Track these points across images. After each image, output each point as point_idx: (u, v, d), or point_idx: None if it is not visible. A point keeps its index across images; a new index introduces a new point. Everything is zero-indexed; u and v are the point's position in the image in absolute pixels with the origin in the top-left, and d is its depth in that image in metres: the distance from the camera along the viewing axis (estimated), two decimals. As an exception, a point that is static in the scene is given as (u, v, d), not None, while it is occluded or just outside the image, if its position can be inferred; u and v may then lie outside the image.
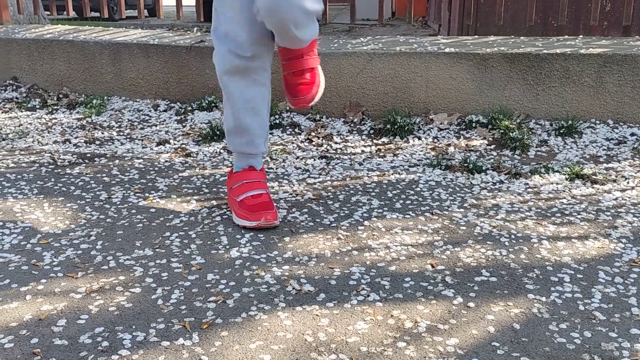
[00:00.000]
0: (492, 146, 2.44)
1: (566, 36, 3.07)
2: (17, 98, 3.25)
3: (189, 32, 3.60)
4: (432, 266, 1.49)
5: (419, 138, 2.54)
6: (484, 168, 2.16)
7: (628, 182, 2.04)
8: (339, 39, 3.14)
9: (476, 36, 3.21)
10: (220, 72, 1.74)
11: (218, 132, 2.56)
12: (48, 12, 4.72)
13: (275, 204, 1.87)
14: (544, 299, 1.34)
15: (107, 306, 1.32)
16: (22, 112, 3.06)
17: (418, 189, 2.01)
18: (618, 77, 2.56)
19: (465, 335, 1.21)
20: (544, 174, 2.11)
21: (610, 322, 1.26)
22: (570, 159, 2.28)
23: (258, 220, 1.68)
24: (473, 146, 2.44)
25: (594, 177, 2.07)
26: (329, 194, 1.97)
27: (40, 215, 1.81)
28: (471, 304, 1.32)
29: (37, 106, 3.14)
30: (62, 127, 2.78)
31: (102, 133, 2.69)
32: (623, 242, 1.62)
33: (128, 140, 2.60)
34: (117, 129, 2.75)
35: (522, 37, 3.04)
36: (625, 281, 1.42)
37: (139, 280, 1.44)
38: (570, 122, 2.52)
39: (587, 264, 1.50)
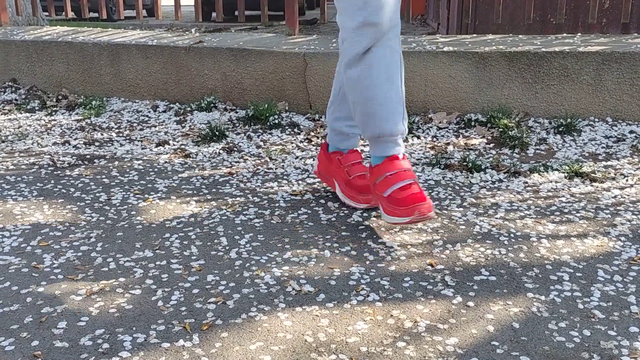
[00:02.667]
0: (491, 145, 2.44)
1: (565, 34, 3.07)
2: (16, 100, 3.25)
3: (187, 32, 3.60)
4: (432, 266, 1.49)
5: (418, 137, 2.55)
6: (483, 167, 2.16)
7: (627, 180, 2.04)
8: (338, 39, 3.13)
9: (475, 35, 3.22)
10: (357, 53, 1.60)
11: (217, 133, 2.57)
12: (46, 14, 4.72)
13: (277, 203, 1.87)
14: (543, 297, 1.34)
15: (107, 308, 1.33)
16: (21, 113, 3.06)
17: (417, 188, 2.01)
18: (617, 75, 2.56)
19: (465, 335, 1.21)
20: (543, 172, 2.12)
21: (610, 320, 1.26)
22: (570, 157, 2.29)
23: (411, 215, 1.55)
24: (472, 145, 2.44)
25: (593, 175, 2.07)
26: (329, 194, 1.98)
27: (40, 217, 1.81)
28: (471, 303, 1.32)
29: (37, 108, 3.14)
30: (61, 129, 2.79)
31: (102, 134, 2.70)
32: (622, 240, 1.62)
33: (127, 141, 2.60)
34: (117, 130, 2.75)
35: (520, 36, 3.04)
36: (625, 279, 1.42)
37: (139, 281, 1.44)
38: (569, 120, 2.53)
39: (586, 263, 1.50)
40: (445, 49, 2.72)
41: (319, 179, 2.09)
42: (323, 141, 2.51)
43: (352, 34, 1.60)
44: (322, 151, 1.93)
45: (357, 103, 1.66)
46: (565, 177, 2.08)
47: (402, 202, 1.56)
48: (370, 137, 1.67)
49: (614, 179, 2.06)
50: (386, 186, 1.61)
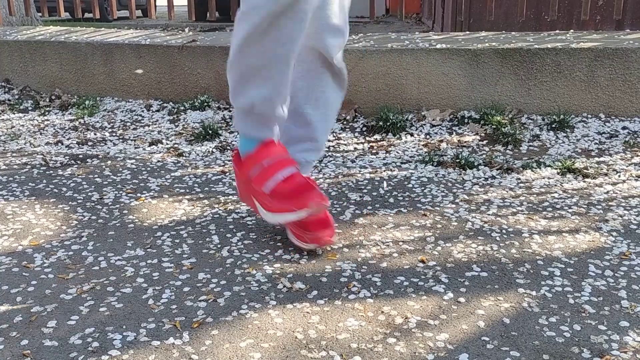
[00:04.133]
0: (485, 142, 2.44)
1: (557, 31, 3.08)
2: (9, 100, 3.24)
3: (181, 32, 3.60)
4: (423, 262, 1.49)
5: (411, 134, 2.55)
6: (476, 164, 2.16)
7: (619, 176, 2.04)
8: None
9: (468, 32, 3.21)
10: (255, 22, 1.30)
11: (210, 132, 2.56)
12: (40, 14, 4.71)
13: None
14: (534, 293, 1.34)
15: (97, 307, 1.32)
16: (14, 114, 3.05)
17: (410, 185, 2.01)
18: (609, 71, 2.56)
19: (456, 330, 1.21)
20: (535, 168, 2.12)
21: (600, 315, 1.26)
22: (562, 153, 2.29)
23: (305, 206, 1.32)
24: (465, 142, 2.45)
25: (585, 171, 2.07)
26: (321, 191, 1.97)
27: (32, 217, 1.81)
28: (462, 299, 1.32)
29: (30, 108, 3.13)
30: (54, 129, 2.78)
31: (95, 134, 2.69)
32: (614, 235, 1.62)
33: (120, 140, 2.59)
34: (110, 130, 2.75)
35: (513, 32, 3.04)
36: (616, 274, 1.42)
37: (130, 280, 1.44)
38: (562, 116, 2.53)
39: (577, 258, 1.50)
40: (438, 46, 2.72)
41: (312, 177, 2.08)
42: None
43: None
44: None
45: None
46: (558, 173, 2.08)
47: (290, 194, 1.32)
48: (243, 106, 1.37)
49: (606, 174, 2.06)
50: (265, 178, 1.35)
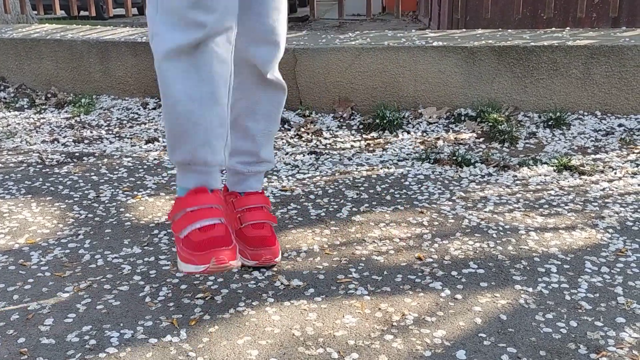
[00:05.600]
0: (481, 139, 2.44)
1: (554, 28, 3.08)
2: (4, 98, 3.23)
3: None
4: (420, 259, 1.50)
5: (408, 132, 2.55)
6: (472, 161, 2.16)
7: (615, 173, 2.05)
8: (327, 34, 3.13)
9: (464, 30, 3.22)
10: (165, 51, 1.22)
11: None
12: (35, 12, 4.70)
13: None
14: (530, 289, 1.35)
15: (94, 304, 1.32)
16: (10, 112, 3.04)
17: (407, 182, 2.02)
18: (605, 69, 2.57)
19: (453, 327, 1.22)
20: (532, 165, 2.12)
21: (596, 311, 1.26)
22: (559, 150, 2.29)
23: (206, 262, 1.21)
24: (462, 139, 2.45)
25: (581, 168, 2.08)
26: (318, 189, 1.97)
27: (28, 215, 1.80)
28: (458, 296, 1.33)
29: (25, 106, 3.13)
30: (50, 127, 2.77)
31: (91, 132, 2.68)
32: (610, 232, 1.62)
33: (117, 138, 2.59)
34: (106, 128, 2.74)
35: (509, 30, 3.05)
36: (612, 271, 1.42)
37: (127, 278, 1.44)
38: (558, 114, 2.53)
39: (574, 255, 1.50)
40: (435, 43, 2.72)
41: (309, 175, 2.08)
42: (313, 137, 2.51)
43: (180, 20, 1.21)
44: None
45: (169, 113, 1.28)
46: (555, 171, 2.08)
47: (198, 246, 1.23)
48: (179, 161, 1.30)
49: (602, 172, 2.07)
50: (184, 225, 1.26)
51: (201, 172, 1.29)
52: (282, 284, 1.39)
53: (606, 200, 1.83)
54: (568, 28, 3.07)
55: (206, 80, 1.23)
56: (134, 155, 2.36)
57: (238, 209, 1.45)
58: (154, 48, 1.25)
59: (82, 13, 5.39)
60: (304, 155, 2.31)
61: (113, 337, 1.20)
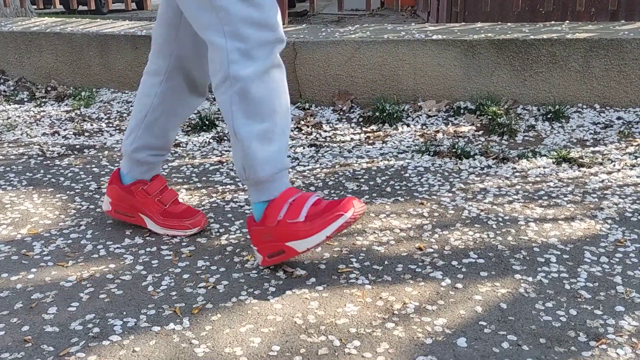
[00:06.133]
0: (480, 132, 2.45)
1: (553, 22, 3.09)
2: (4, 91, 3.23)
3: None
4: (421, 249, 1.51)
5: (408, 125, 2.56)
6: (472, 153, 2.17)
7: (614, 165, 2.06)
8: (327, 28, 3.14)
9: (464, 23, 3.22)
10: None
11: (207, 122, 2.56)
12: (34, 6, 4.69)
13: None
14: (530, 279, 1.36)
15: (97, 293, 1.33)
16: (10, 105, 3.04)
17: (407, 174, 2.03)
18: (604, 62, 2.58)
19: (453, 316, 1.23)
20: (531, 158, 2.13)
21: (596, 300, 1.27)
22: (558, 143, 2.30)
23: (345, 212, 1.32)
24: (461, 132, 2.46)
25: (580, 160, 2.09)
26: (319, 181, 1.98)
27: (30, 206, 1.81)
28: (459, 285, 1.34)
29: (26, 99, 3.13)
30: (50, 120, 2.78)
31: (91, 125, 2.69)
32: (609, 223, 1.64)
33: (117, 131, 2.59)
34: (106, 121, 2.75)
35: (509, 24, 3.05)
36: (611, 260, 1.43)
37: (129, 267, 1.44)
38: (557, 107, 2.54)
39: (573, 245, 1.52)
40: (434, 37, 2.73)
41: (309, 167, 2.09)
42: (313, 130, 2.51)
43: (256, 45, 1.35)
44: (115, 186, 1.64)
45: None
46: (554, 163, 2.09)
47: (325, 211, 1.34)
48: (261, 178, 1.39)
49: (601, 164, 2.08)
50: (297, 211, 1.36)
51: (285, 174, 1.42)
52: (284, 272, 1.40)
53: (605, 192, 1.84)
54: (567, 21, 3.08)
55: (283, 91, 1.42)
56: (135, 147, 2.37)
57: (153, 193, 1.62)
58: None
59: (81, 8, 5.38)
60: (304, 148, 2.32)
61: (116, 325, 1.21)
